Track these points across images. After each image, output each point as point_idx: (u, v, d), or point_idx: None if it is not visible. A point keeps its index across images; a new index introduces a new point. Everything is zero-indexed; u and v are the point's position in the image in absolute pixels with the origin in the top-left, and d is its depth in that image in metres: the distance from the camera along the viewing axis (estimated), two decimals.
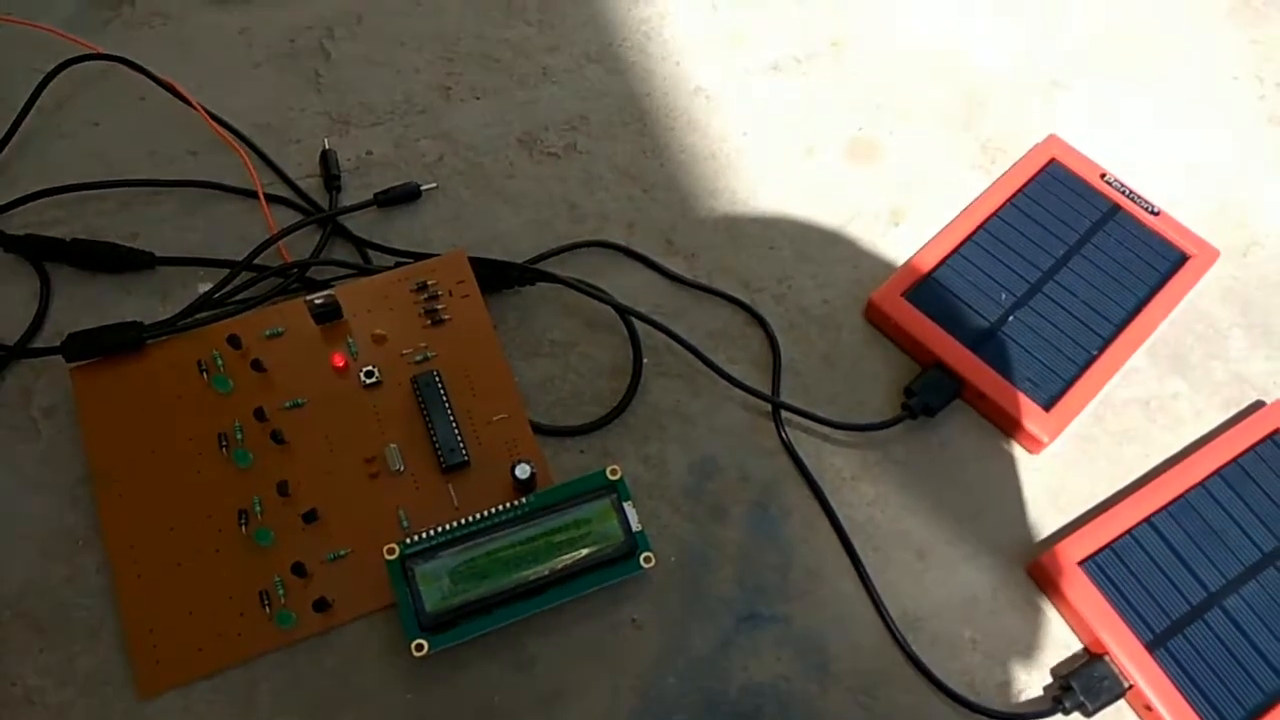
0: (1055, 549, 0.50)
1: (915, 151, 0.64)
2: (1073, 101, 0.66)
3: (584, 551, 0.47)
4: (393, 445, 0.51)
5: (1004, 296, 0.57)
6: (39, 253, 0.56)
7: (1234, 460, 0.53)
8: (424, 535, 0.47)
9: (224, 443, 0.50)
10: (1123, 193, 0.60)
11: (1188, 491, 0.52)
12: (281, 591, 0.48)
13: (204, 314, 0.54)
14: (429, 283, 0.55)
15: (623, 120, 0.64)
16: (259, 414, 0.51)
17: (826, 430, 0.54)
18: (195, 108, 0.60)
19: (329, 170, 0.60)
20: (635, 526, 0.48)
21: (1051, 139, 0.63)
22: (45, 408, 0.52)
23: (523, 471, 0.49)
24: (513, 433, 0.52)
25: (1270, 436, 0.54)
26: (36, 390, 0.53)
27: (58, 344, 0.51)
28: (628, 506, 0.48)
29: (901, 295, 0.56)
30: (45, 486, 0.50)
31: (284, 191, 0.60)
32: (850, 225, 0.61)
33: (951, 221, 0.60)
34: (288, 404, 0.52)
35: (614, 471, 0.49)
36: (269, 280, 0.56)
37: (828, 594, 0.50)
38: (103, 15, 0.65)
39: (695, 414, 0.54)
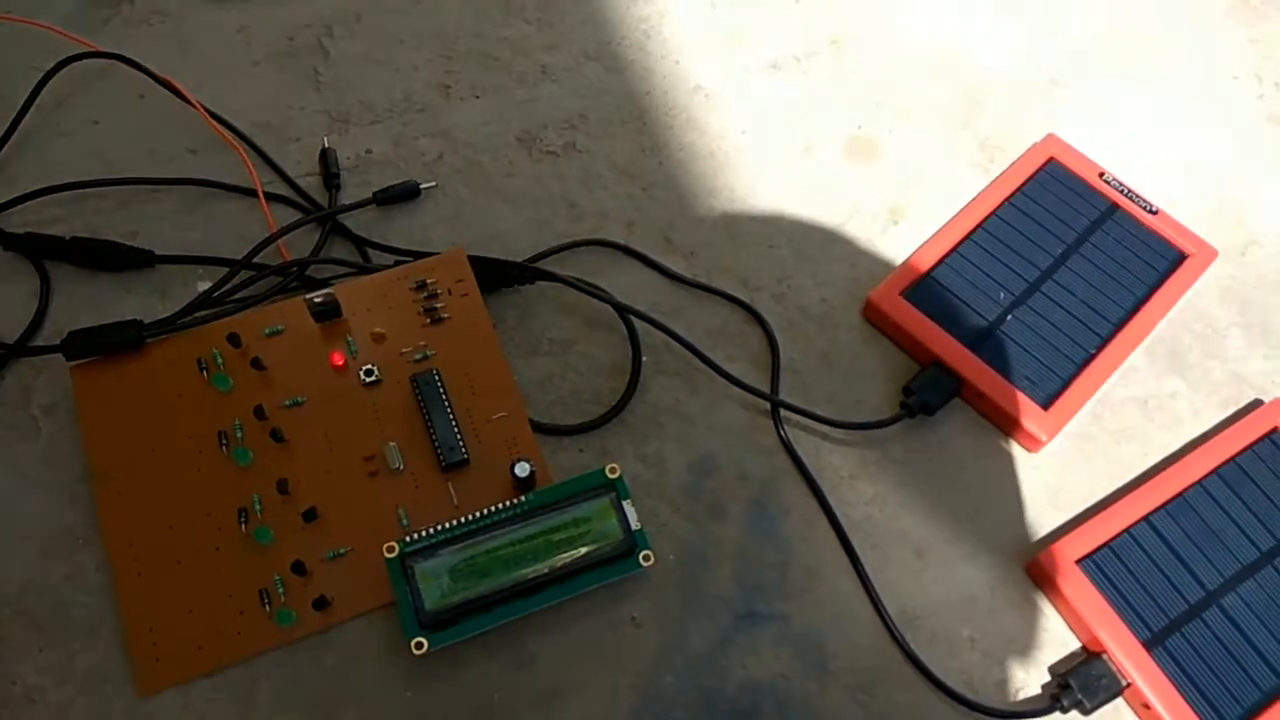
0: (1053, 548, 0.50)
1: (914, 150, 0.64)
2: (1072, 100, 0.66)
3: (583, 550, 0.47)
4: (392, 444, 0.51)
5: (1002, 295, 0.57)
6: (39, 251, 0.56)
7: (1232, 459, 0.53)
8: (423, 533, 0.47)
9: (224, 441, 0.50)
10: (1121, 192, 0.60)
11: (1186, 490, 0.52)
12: (281, 590, 0.48)
13: (204, 312, 0.54)
14: (428, 281, 0.55)
15: (622, 119, 0.64)
16: (259, 412, 0.51)
17: (825, 429, 0.54)
18: (194, 106, 0.60)
19: (328, 169, 0.60)
20: (634, 525, 0.48)
21: (1050, 138, 0.63)
22: (45, 406, 0.52)
23: (522, 470, 0.49)
24: (512, 431, 0.52)
25: (1268, 435, 0.54)
26: (36, 389, 0.53)
27: (57, 342, 0.52)
28: (627, 505, 0.48)
29: (900, 294, 0.57)
30: (45, 485, 0.50)
31: (283, 190, 0.60)
32: (849, 224, 0.61)
33: (950, 220, 0.60)
34: (287, 402, 0.52)
35: (613, 470, 0.49)
36: (268, 279, 0.56)
37: (826, 592, 0.50)
38: (102, 13, 0.65)
39: (694, 412, 0.54)
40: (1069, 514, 0.53)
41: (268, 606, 0.47)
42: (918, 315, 0.56)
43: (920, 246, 0.59)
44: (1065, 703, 0.47)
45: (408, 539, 0.47)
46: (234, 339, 0.52)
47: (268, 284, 0.56)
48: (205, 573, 0.48)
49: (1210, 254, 0.59)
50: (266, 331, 0.53)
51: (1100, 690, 0.47)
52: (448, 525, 0.48)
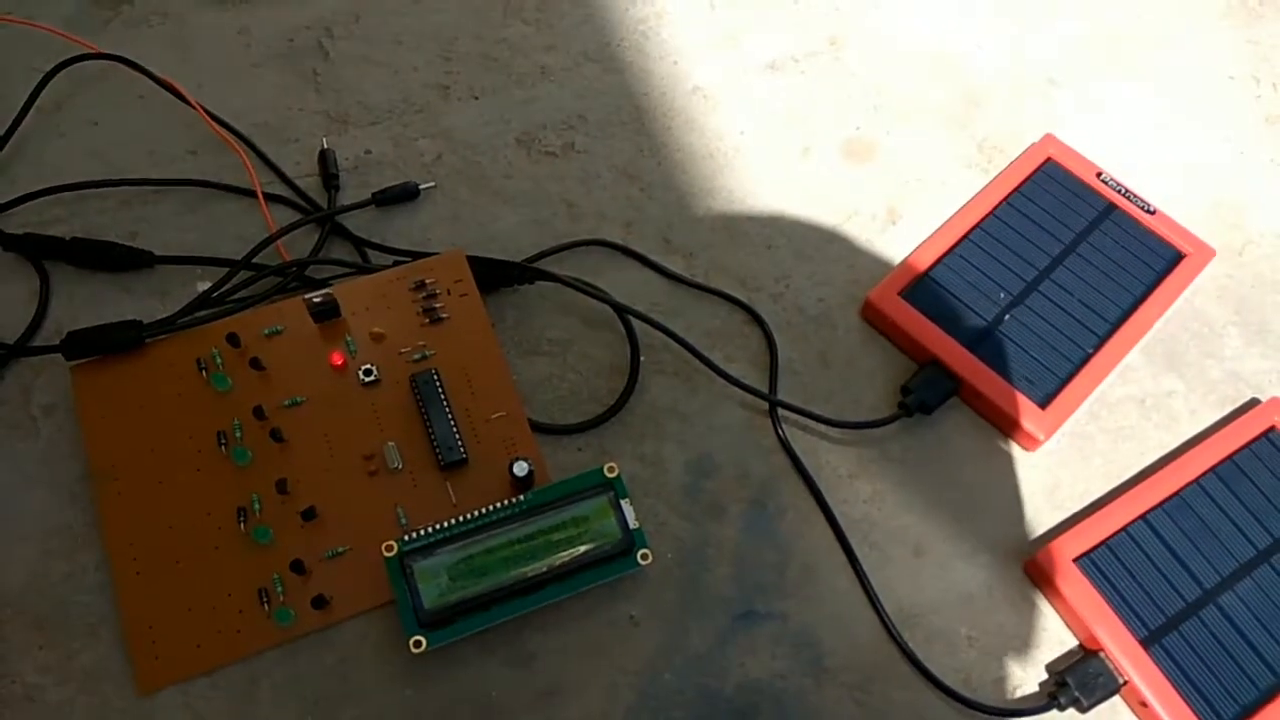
0: (1051, 546, 0.50)
1: (912, 151, 0.64)
2: (1069, 101, 0.67)
3: (582, 549, 0.47)
4: (391, 443, 0.51)
5: (1000, 295, 0.57)
6: (39, 251, 0.56)
7: (1229, 458, 0.53)
8: (422, 532, 0.47)
9: (223, 441, 0.51)
10: (1119, 192, 0.60)
11: (1183, 489, 0.52)
12: (280, 589, 0.48)
13: (203, 312, 0.54)
14: (427, 281, 0.55)
15: (620, 119, 0.64)
16: (258, 412, 0.51)
17: (823, 428, 0.55)
18: (194, 107, 0.60)
19: (327, 169, 0.60)
20: (633, 524, 0.48)
21: (1048, 138, 0.63)
22: (45, 406, 0.53)
23: (521, 469, 0.49)
24: (511, 431, 0.52)
25: (1265, 434, 0.54)
26: (36, 389, 0.53)
27: (57, 342, 0.52)
28: (625, 504, 0.48)
29: (898, 294, 0.57)
30: (45, 484, 0.51)
31: (283, 190, 0.60)
32: (847, 224, 0.61)
33: (948, 220, 0.60)
34: (286, 402, 0.52)
35: (611, 469, 0.49)
36: (268, 279, 0.56)
37: (824, 591, 0.51)
38: (102, 15, 0.65)
39: (693, 412, 0.55)
40: (1066, 513, 0.53)
41: (267, 605, 0.48)
42: (916, 315, 0.56)
43: (918, 247, 0.59)
44: (1062, 700, 0.48)
45: (406, 538, 0.47)
46: (233, 339, 0.52)
47: (267, 284, 0.56)
48: (205, 572, 0.48)
49: (1208, 253, 0.59)
50: (266, 332, 0.53)
51: (1097, 688, 0.47)
52: (446, 524, 0.48)
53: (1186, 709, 0.47)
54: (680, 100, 0.65)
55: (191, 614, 0.47)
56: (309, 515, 0.49)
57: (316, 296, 0.52)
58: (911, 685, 0.49)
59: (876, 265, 0.60)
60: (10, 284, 0.56)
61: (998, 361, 0.55)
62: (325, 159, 0.60)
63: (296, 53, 0.65)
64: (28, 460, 0.51)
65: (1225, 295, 0.60)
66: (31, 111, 0.60)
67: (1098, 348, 0.56)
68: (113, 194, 0.59)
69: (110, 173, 0.59)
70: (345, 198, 0.60)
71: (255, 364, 0.52)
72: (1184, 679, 0.47)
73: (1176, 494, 0.52)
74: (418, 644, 0.45)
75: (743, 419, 0.55)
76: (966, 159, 0.64)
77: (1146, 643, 0.48)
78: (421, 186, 0.60)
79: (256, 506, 0.49)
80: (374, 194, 0.59)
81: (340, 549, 0.49)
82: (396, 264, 0.57)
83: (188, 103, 0.60)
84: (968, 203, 0.61)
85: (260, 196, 0.58)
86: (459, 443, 0.51)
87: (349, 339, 0.53)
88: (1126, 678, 0.47)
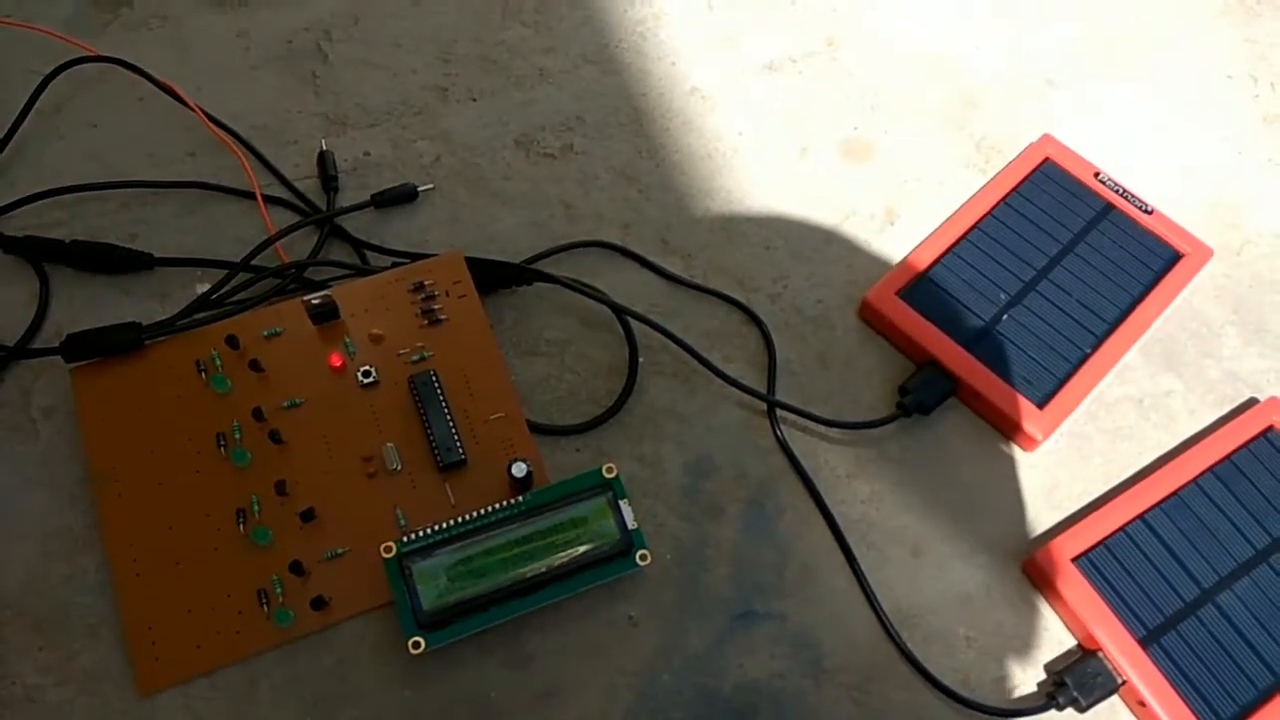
0: (1049, 546, 0.50)
1: (910, 151, 0.64)
2: (1067, 101, 0.67)
3: (580, 549, 0.47)
4: (390, 444, 0.51)
5: (999, 295, 0.57)
6: (38, 254, 0.56)
7: (1227, 457, 0.53)
8: (421, 533, 0.47)
9: (222, 442, 0.51)
10: (1116, 192, 0.60)
11: (1181, 488, 0.52)
12: (279, 590, 0.48)
13: (202, 314, 0.54)
14: (426, 283, 0.55)
15: (619, 121, 0.64)
16: (257, 414, 0.51)
17: (822, 429, 0.55)
18: (193, 109, 0.60)
19: (326, 171, 0.60)
20: (631, 524, 0.48)
21: (1045, 138, 0.63)
22: (45, 408, 0.53)
23: (519, 470, 0.49)
24: (509, 432, 0.52)
25: (1263, 434, 0.54)
26: (36, 390, 0.53)
27: (57, 344, 0.52)
28: (624, 504, 0.48)
29: (896, 294, 0.57)
30: (45, 486, 0.51)
31: (282, 192, 0.60)
32: (845, 225, 0.61)
33: (946, 221, 0.60)
34: (285, 404, 0.52)
35: (610, 470, 0.49)
36: (267, 281, 0.56)
37: (823, 591, 0.51)
38: (101, 17, 0.65)
39: (691, 413, 0.55)
40: (1065, 512, 0.53)
41: (266, 606, 0.48)
42: (914, 315, 0.56)
43: (916, 247, 0.59)
44: (1061, 700, 0.48)
45: (405, 539, 0.47)
46: (232, 341, 0.52)
47: (266, 286, 0.56)
48: (204, 573, 0.48)
49: (1205, 253, 0.59)
50: (265, 333, 0.53)
51: (1096, 688, 0.47)
52: (445, 525, 0.48)
53: (1185, 708, 0.47)
54: (678, 101, 0.65)
55: (191, 615, 0.47)
56: (308, 516, 0.49)
57: (315, 298, 0.52)
58: (910, 685, 0.49)
59: (874, 265, 0.60)
60: (10, 286, 0.56)
61: (996, 362, 0.55)
62: (324, 161, 0.60)
63: (295, 55, 0.65)
64: (28, 462, 0.51)
65: (1223, 295, 0.60)
66: (31, 114, 0.60)
67: (1096, 348, 0.56)
68: (112, 196, 0.59)
69: (110, 175, 0.59)
70: (344, 199, 0.60)
71: (254, 366, 0.52)
72: (1182, 678, 0.47)
73: (1175, 494, 0.52)
74: (416, 645, 0.45)
75: (741, 419, 0.55)
76: (964, 159, 0.64)
77: (1145, 642, 0.48)
78: (420, 188, 0.60)
79: (256, 508, 0.49)
80: (373, 196, 0.59)
81: (339, 550, 0.49)
82: (395, 265, 0.57)
83: (187, 105, 0.60)
84: (965, 203, 0.61)
85: (259, 198, 0.58)
86: (458, 444, 0.51)
87: (348, 340, 0.53)
88: (1125, 677, 0.47)
